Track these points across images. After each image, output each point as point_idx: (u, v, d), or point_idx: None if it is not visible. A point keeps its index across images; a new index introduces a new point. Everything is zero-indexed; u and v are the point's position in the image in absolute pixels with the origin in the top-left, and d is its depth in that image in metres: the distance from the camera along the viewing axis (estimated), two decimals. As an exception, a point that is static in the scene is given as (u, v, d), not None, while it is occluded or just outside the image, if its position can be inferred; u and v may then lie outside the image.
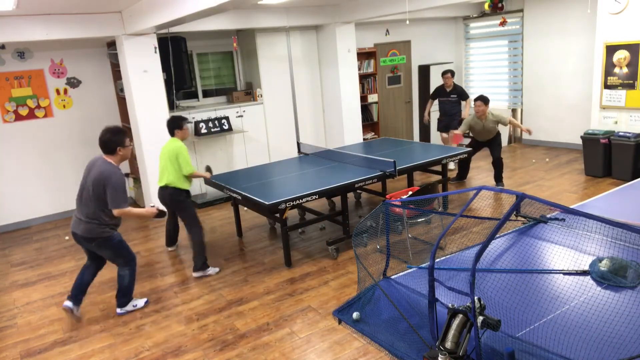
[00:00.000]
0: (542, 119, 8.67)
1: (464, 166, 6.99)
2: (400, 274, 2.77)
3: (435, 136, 9.47)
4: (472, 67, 9.80)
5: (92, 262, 4.06)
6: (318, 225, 5.79)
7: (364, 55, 8.52)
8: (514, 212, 3.23)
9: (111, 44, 6.71)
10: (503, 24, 8.73)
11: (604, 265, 2.44)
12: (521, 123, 9.04)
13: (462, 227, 5.13)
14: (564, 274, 2.51)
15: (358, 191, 6.55)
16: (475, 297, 1.89)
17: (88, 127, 7.01)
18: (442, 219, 5.21)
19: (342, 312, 2.66)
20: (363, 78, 8.59)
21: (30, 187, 6.73)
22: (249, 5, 6.59)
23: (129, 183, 7.37)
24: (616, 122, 6.68)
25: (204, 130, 6.95)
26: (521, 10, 8.59)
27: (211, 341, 3.61)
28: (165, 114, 6.35)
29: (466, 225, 5.16)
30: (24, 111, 6.55)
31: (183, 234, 5.51)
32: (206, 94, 7.87)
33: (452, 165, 7.75)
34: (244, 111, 7.52)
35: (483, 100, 6.38)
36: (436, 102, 8.00)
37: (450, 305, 1.98)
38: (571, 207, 3.39)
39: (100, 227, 3.76)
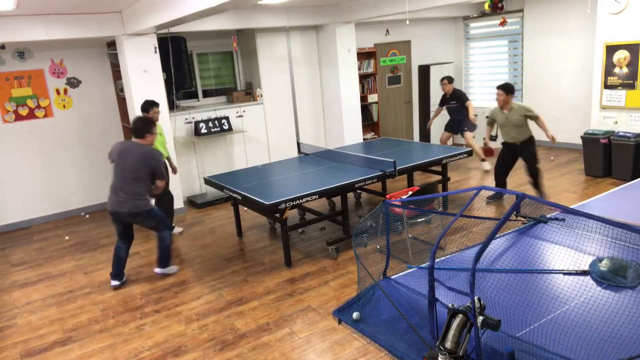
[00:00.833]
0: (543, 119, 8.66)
1: (499, 184, 6.13)
2: (400, 274, 2.77)
3: (435, 137, 9.48)
4: (472, 67, 9.80)
5: (124, 241, 4.62)
6: (318, 225, 5.79)
7: (364, 55, 8.52)
8: (514, 212, 3.23)
9: (111, 44, 6.71)
10: (503, 24, 8.73)
11: (604, 265, 2.44)
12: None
13: (462, 227, 5.13)
14: (564, 274, 2.51)
15: (358, 191, 6.55)
16: (475, 297, 1.89)
17: (88, 127, 7.01)
18: (442, 219, 5.21)
19: (342, 312, 2.66)
20: (363, 78, 8.59)
21: (30, 187, 6.73)
22: (249, 5, 6.59)
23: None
24: (616, 122, 6.68)
25: (204, 130, 6.95)
26: (521, 10, 8.60)
27: (211, 341, 3.61)
28: (165, 114, 6.35)
29: (466, 225, 5.16)
30: (24, 111, 6.55)
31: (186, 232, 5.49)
32: (206, 94, 7.87)
33: (487, 166, 7.46)
34: (244, 111, 7.53)
35: (504, 88, 5.66)
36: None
37: (450, 305, 1.98)
38: (571, 207, 3.39)
39: (143, 202, 4.37)
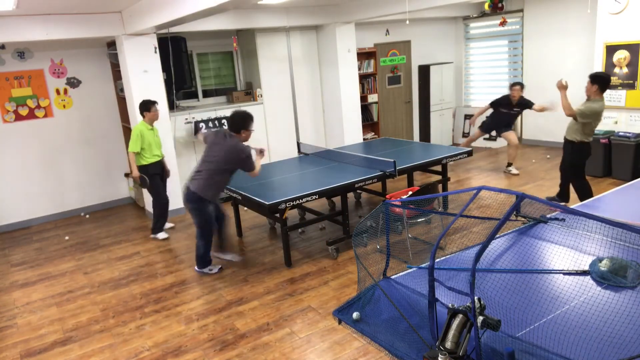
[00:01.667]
0: (542, 119, 8.66)
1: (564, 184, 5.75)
2: (400, 274, 2.77)
3: (435, 137, 9.48)
4: (472, 67, 9.80)
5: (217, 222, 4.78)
6: (318, 225, 5.79)
7: (364, 55, 8.52)
8: (514, 212, 3.23)
9: (111, 44, 6.71)
10: (503, 24, 8.74)
11: (604, 265, 2.44)
12: (521, 124, 9.05)
13: (462, 227, 5.13)
14: (564, 274, 2.51)
15: (358, 191, 6.55)
16: (475, 297, 1.89)
17: (88, 127, 7.01)
18: (442, 219, 5.21)
19: (342, 312, 2.66)
20: (363, 78, 8.59)
21: (30, 187, 6.73)
22: (249, 5, 6.59)
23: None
24: (616, 122, 6.68)
25: (204, 130, 6.95)
26: (521, 10, 8.60)
27: (211, 341, 3.61)
28: (165, 114, 6.35)
29: (466, 225, 5.16)
30: (24, 111, 6.55)
31: (181, 233, 5.50)
32: (206, 94, 7.87)
33: (515, 170, 7.28)
34: (244, 111, 7.52)
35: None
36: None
37: (450, 305, 1.98)
38: (571, 207, 3.39)
39: (207, 192, 4.42)
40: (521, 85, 7.06)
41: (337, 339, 3.47)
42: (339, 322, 2.66)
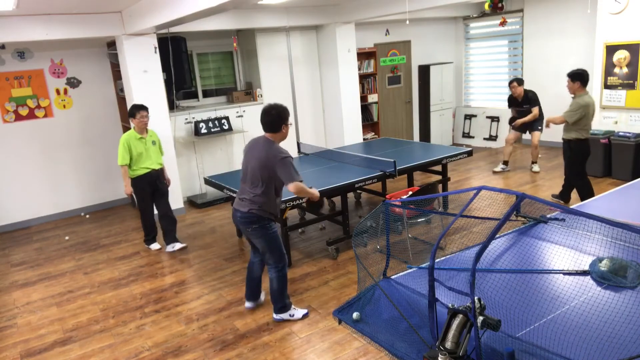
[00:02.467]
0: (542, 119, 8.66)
1: (567, 185, 5.84)
2: (400, 274, 2.77)
3: (435, 137, 9.48)
4: (472, 67, 9.80)
5: (256, 254, 3.86)
6: (318, 225, 5.79)
7: (364, 55, 8.52)
8: (514, 212, 3.23)
9: (111, 44, 6.71)
10: (503, 24, 8.74)
11: (604, 265, 2.44)
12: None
13: (462, 227, 5.13)
14: (564, 274, 2.51)
15: (358, 191, 6.55)
16: (475, 297, 1.89)
17: (88, 127, 7.01)
18: (442, 219, 5.21)
19: (342, 312, 2.66)
20: (363, 78, 8.59)
21: (30, 187, 6.72)
22: (249, 5, 6.59)
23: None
24: (616, 122, 6.68)
25: (204, 130, 6.95)
26: (521, 10, 8.59)
27: (211, 341, 3.61)
28: (165, 114, 6.35)
29: (466, 225, 5.15)
30: (24, 111, 6.55)
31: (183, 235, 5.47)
32: (206, 94, 7.87)
33: (536, 168, 7.28)
34: (244, 111, 7.53)
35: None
36: None
37: (450, 305, 1.98)
38: (571, 207, 3.39)
39: (259, 212, 3.57)
40: (518, 81, 7.09)
41: (337, 339, 3.47)
42: (339, 322, 2.66)
